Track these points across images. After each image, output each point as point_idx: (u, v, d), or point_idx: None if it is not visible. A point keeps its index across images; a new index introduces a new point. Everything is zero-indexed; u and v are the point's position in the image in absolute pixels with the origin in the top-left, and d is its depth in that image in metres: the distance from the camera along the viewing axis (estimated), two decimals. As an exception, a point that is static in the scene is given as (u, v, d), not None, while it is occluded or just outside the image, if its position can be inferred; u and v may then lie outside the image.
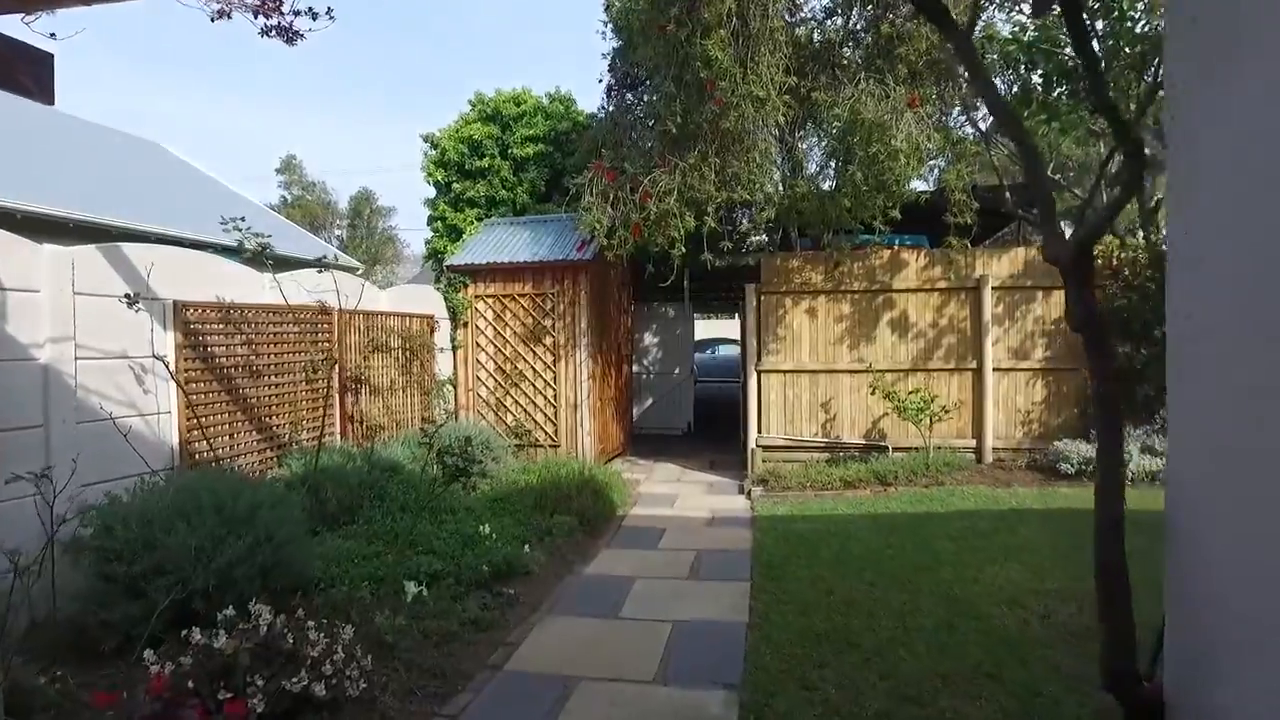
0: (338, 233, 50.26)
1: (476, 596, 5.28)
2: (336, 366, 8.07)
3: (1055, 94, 10.81)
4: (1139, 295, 8.94)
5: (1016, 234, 13.82)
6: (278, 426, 7.15)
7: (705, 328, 37.24)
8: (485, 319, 10.85)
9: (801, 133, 9.18)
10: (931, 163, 8.44)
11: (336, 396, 8.09)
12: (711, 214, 8.53)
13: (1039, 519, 7.12)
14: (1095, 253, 9.21)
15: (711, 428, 14.88)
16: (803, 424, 9.95)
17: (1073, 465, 8.69)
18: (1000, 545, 6.34)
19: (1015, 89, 10.63)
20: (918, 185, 11.05)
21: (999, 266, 9.65)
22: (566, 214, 10.98)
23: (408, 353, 9.63)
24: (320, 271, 7.18)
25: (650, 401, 14.88)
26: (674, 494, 9.30)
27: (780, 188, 8.98)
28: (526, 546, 6.17)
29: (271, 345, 7.11)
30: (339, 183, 75.42)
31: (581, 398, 10.44)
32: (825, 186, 9.35)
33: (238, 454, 6.60)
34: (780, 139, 8.73)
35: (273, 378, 7.11)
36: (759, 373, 9.98)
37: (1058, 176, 15.13)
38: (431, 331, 10.20)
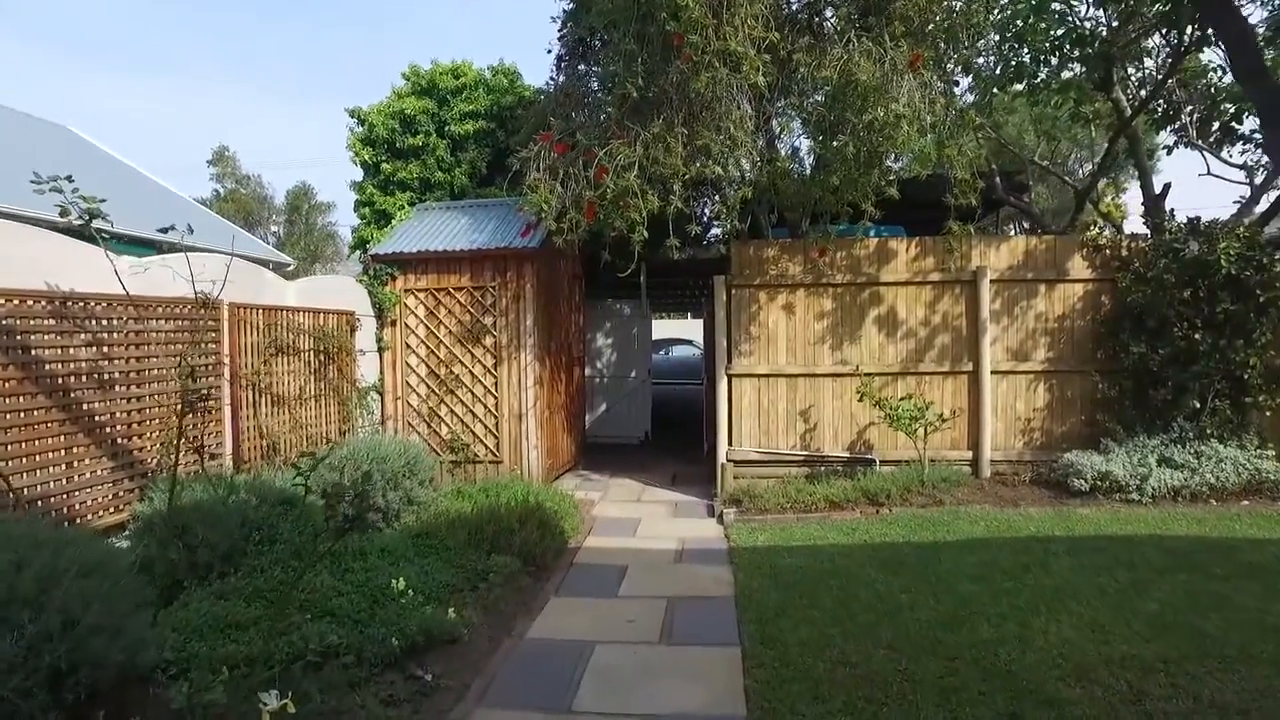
0: (274, 229, 47.95)
1: (382, 682, 3.96)
2: (228, 372, 6.65)
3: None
4: (1154, 288, 7.97)
5: (995, 224, 12.91)
6: (141, 450, 5.70)
7: (659, 328, 36.15)
8: (416, 316, 9.46)
9: (783, 101, 7.98)
10: (925, 139, 7.31)
11: (226, 410, 6.65)
12: (678, 192, 7.30)
13: (1068, 551, 6.04)
14: (1103, 242, 8.29)
15: (670, 436, 13.67)
16: (779, 435, 8.79)
17: (1086, 481, 7.67)
18: (1036, 589, 5.22)
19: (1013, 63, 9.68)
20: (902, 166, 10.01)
21: (997, 257, 8.61)
22: (511, 198, 9.68)
23: (322, 356, 8.21)
24: (178, 242, 5.74)
25: (604, 408, 13.60)
26: (634, 518, 8.05)
27: (757, 163, 7.79)
28: (451, 611, 4.81)
29: (132, 347, 5.66)
30: (276, 176, 72.46)
31: (526, 406, 9.13)
32: (808, 163, 8.19)
33: (75, 489, 5.15)
34: (757, 107, 7.54)
35: (133, 388, 5.66)
36: (730, 377, 8.79)
37: (1061, 160, 14.30)
38: (352, 331, 8.78)
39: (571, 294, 11.01)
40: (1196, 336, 7.77)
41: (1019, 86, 10.28)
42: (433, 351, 9.41)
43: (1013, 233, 13.50)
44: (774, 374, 8.74)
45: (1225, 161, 10.10)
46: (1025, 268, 8.54)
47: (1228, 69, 10.00)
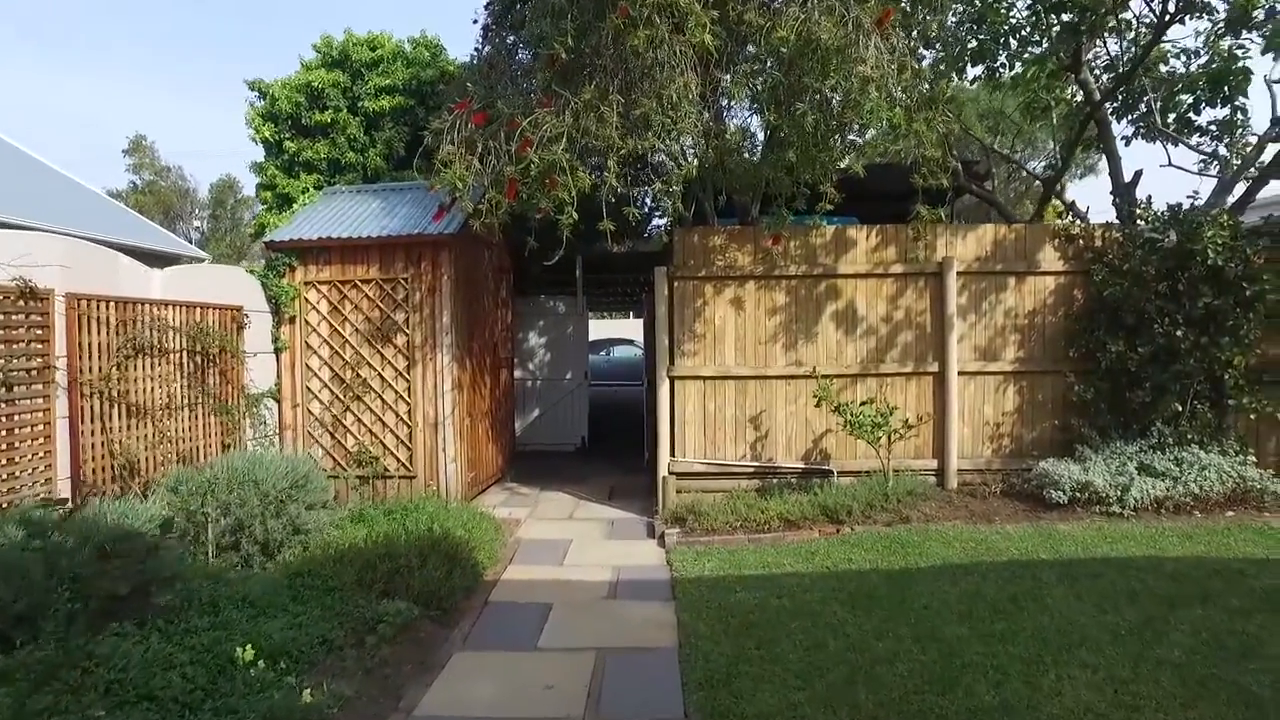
0: (197, 224, 45.65)
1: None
2: (63, 378, 5.46)
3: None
4: (1131, 280, 7.31)
5: (951, 216, 12.27)
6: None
7: (599, 328, 35.24)
8: (318, 312, 8.31)
9: (730, 76, 7.06)
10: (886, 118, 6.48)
11: (60, 425, 5.45)
12: (613, 169, 6.35)
13: (1060, 579, 5.26)
14: (1075, 232, 7.60)
15: (610, 442, 12.71)
16: (728, 444, 7.90)
17: (1064, 493, 6.95)
18: (1035, 631, 4.41)
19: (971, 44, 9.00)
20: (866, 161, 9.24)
21: (964, 247, 7.86)
22: (430, 181, 8.60)
23: (199, 358, 7.02)
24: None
25: (537, 413, 12.56)
26: (564, 540, 7.06)
27: (703, 138, 6.87)
28: (308, 692, 3.70)
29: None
30: (200, 168, 69.09)
31: (444, 413, 8.07)
32: (759, 139, 7.31)
33: None
34: (704, 75, 6.62)
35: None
36: (672, 379, 7.86)
37: (1023, 149, 13.75)
38: (239, 329, 7.60)
39: (498, 288, 9.97)
40: (1178, 333, 7.13)
41: (977, 70, 9.64)
42: (337, 352, 8.28)
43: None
44: (721, 376, 7.84)
45: (1194, 149, 9.57)
46: (994, 259, 7.82)
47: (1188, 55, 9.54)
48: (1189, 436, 7.34)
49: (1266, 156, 8.71)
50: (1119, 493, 6.87)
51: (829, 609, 4.83)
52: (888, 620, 4.61)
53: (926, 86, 6.65)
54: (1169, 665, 3.98)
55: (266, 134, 10.20)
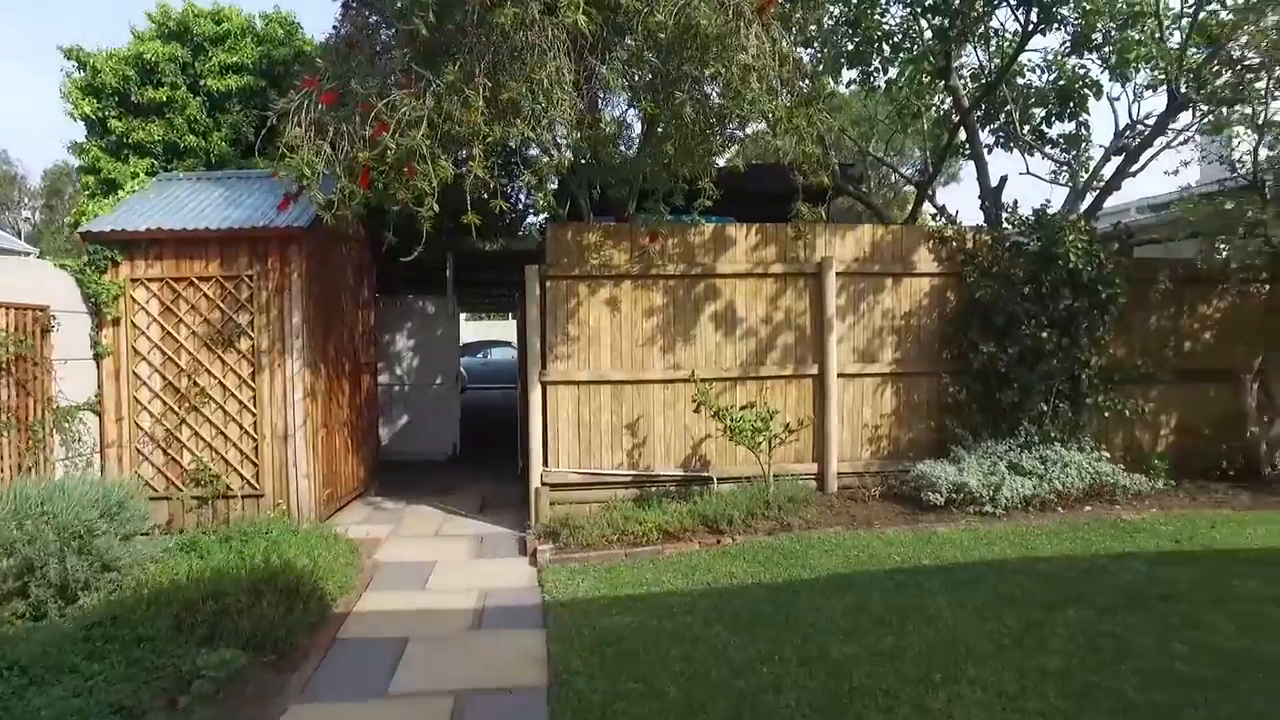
0: (26, 214, 41.61)
1: None
2: None
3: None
4: (1000, 283, 7.43)
5: (826, 216, 12.37)
6: None
7: (477, 330, 34.35)
8: (148, 313, 7.37)
9: (605, 66, 6.66)
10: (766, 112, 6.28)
11: None
12: (479, 158, 5.85)
13: (943, 587, 5.15)
14: (948, 234, 7.66)
15: (485, 449, 12.10)
16: (603, 452, 7.52)
17: (940, 495, 6.96)
18: (923, 647, 4.24)
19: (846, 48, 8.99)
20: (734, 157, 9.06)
21: (843, 248, 7.79)
22: (274, 167, 7.81)
23: (-10, 365, 6.04)
24: None
25: (405, 420, 11.81)
26: (428, 561, 6.48)
27: (576, 127, 6.45)
28: None
29: None
30: (30, 153, 62.76)
31: (294, 424, 7.32)
32: (637, 130, 6.97)
33: None
34: (578, 61, 6.21)
35: None
36: (544, 385, 7.41)
37: (893, 155, 14.01)
38: (44, 332, 6.61)
39: (358, 287, 9.23)
40: (1044, 335, 7.30)
41: (853, 74, 9.71)
42: (171, 358, 7.36)
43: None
44: (596, 381, 7.46)
45: (1050, 158, 9.98)
46: (872, 260, 7.79)
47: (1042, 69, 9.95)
48: (1052, 435, 7.54)
49: (1110, 169, 9.17)
50: (991, 492, 6.94)
51: (711, 631, 4.52)
52: (773, 642, 4.34)
53: (807, 82, 6.49)
54: (1052, 676, 3.88)
55: (87, 110, 9.05)
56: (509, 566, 6.31)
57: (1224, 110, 8.63)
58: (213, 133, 9.45)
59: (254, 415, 7.34)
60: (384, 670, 4.31)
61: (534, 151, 7.69)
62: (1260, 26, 7.77)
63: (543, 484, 7.32)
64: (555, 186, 11.23)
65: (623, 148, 7.64)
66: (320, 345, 7.70)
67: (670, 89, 5.93)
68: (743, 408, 7.23)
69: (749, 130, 7.14)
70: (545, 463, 7.42)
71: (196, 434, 7.37)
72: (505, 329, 29.39)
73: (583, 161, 7.64)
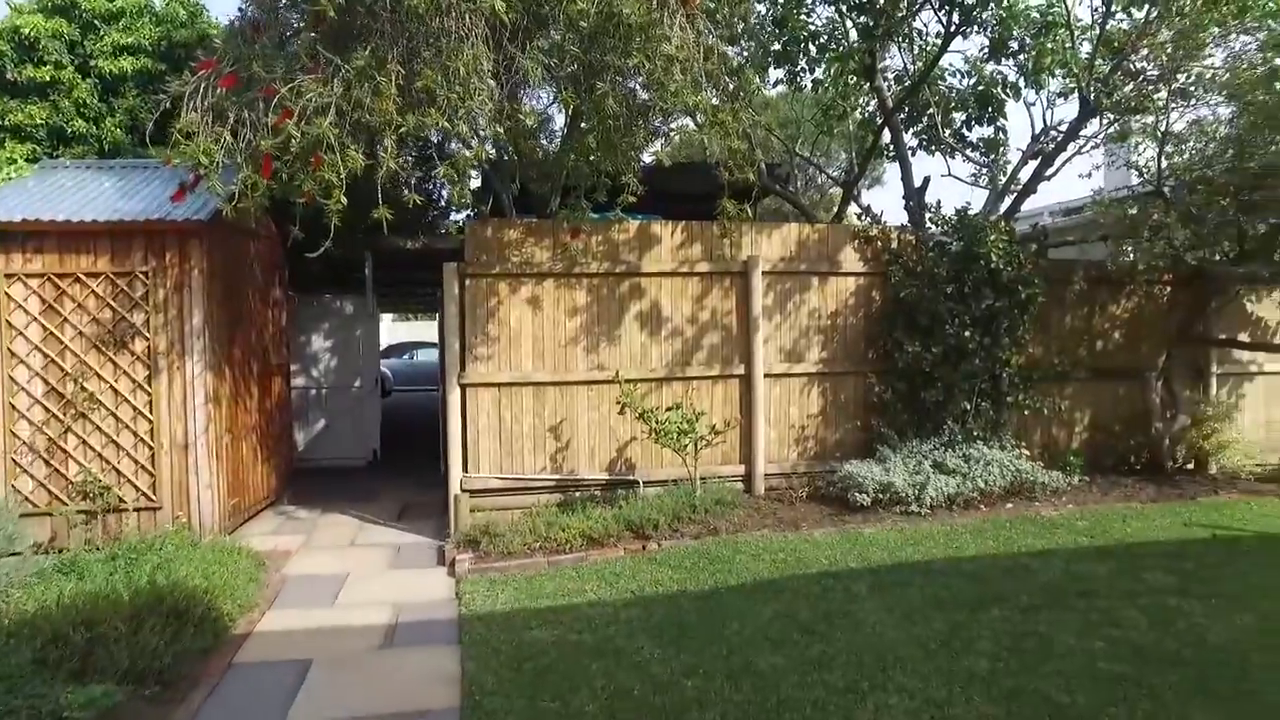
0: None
1: None
2: None
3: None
4: (925, 282, 7.47)
5: (753, 216, 12.36)
6: None
7: (403, 330, 33.56)
8: (27, 312, 6.78)
9: (529, 48, 6.38)
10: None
11: None
12: (390, 148, 5.55)
13: (870, 590, 5.09)
14: (874, 234, 7.66)
15: (407, 454, 11.67)
16: (526, 456, 7.27)
17: (867, 495, 6.94)
18: (851, 654, 4.14)
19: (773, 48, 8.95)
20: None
21: (769, 247, 7.72)
22: (167, 154, 7.30)
23: None
24: None
25: (322, 425, 11.30)
26: (340, 573, 6.13)
27: (495, 118, 6.17)
28: None
29: None
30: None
31: (196, 431, 6.85)
32: (559, 123, 6.74)
33: None
34: (498, 49, 5.94)
35: None
36: (464, 387, 7.12)
37: (819, 156, 14.07)
38: (-98, 331, 6.02)
39: (269, 285, 8.75)
40: (967, 334, 7.37)
41: (779, 74, 9.70)
42: (54, 361, 6.78)
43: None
44: (518, 382, 7.20)
45: (972, 161, 10.16)
46: (798, 259, 7.74)
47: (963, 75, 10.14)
48: (975, 433, 7.62)
49: (1027, 172, 9.38)
50: (917, 492, 6.96)
51: (635, 644, 4.34)
52: (699, 654, 4.19)
53: (733, 78, 6.37)
54: (979, 680, 3.83)
55: (-47, 87, 8.35)
56: (426, 578, 6.01)
57: (1129, 119, 8.93)
58: (105, 118, 8.83)
59: (150, 422, 6.84)
60: (282, 698, 3.99)
61: (457, 147, 7.38)
62: (1157, 41, 8.03)
63: (462, 490, 7.03)
64: (478, 183, 10.91)
65: (545, 142, 7.40)
66: (225, 346, 7.25)
67: (593, 80, 5.72)
68: (668, 409, 7.09)
69: (674, 125, 6.98)
70: (465, 468, 7.13)
71: (84, 443, 6.81)
72: (432, 330, 28.73)
73: (504, 157, 7.38)
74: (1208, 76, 8.18)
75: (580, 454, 7.34)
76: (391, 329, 34.19)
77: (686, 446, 6.91)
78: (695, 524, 6.61)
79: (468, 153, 5.91)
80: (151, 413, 6.84)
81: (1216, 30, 7.88)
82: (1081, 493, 7.65)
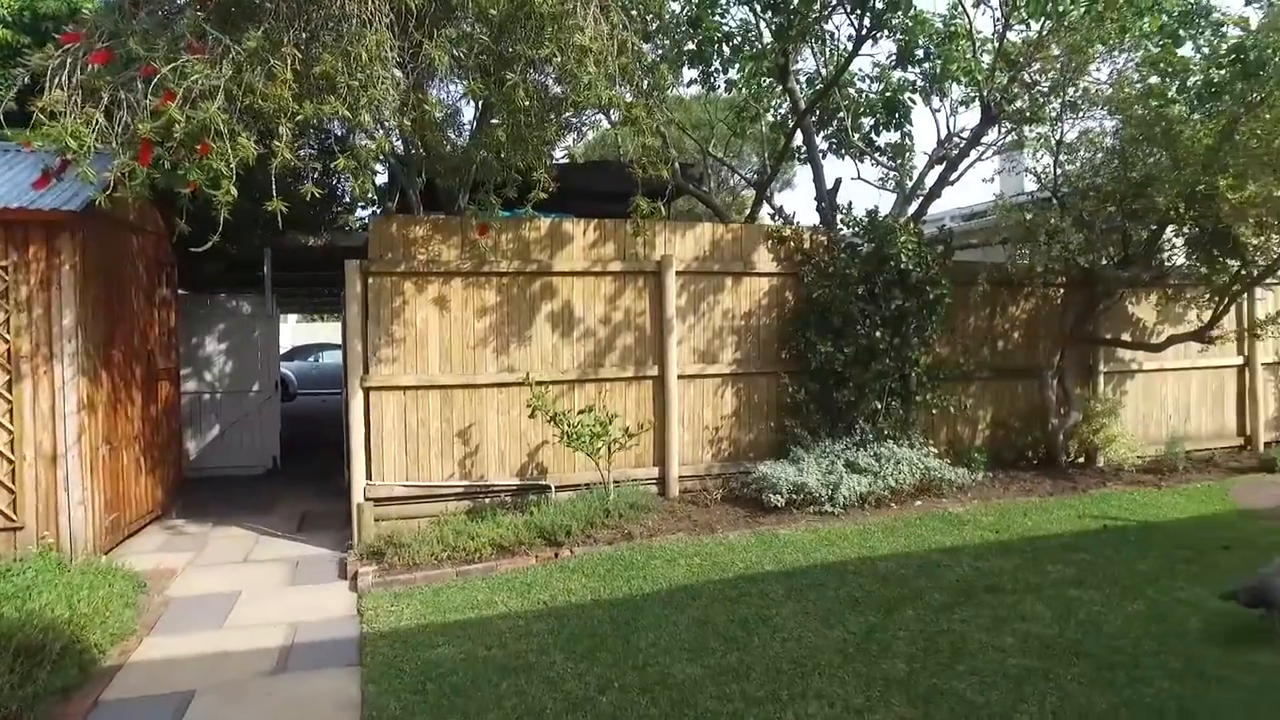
0: None
1: None
2: None
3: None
4: (837, 283, 7.53)
5: (667, 217, 12.32)
6: None
7: (308, 332, 32.39)
8: None
9: (436, 36, 6.07)
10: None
11: None
12: (286, 137, 5.20)
13: (787, 594, 5.05)
14: (786, 234, 7.69)
15: (309, 461, 11.12)
16: (433, 462, 6.98)
17: (782, 496, 6.94)
18: (769, 661, 4.06)
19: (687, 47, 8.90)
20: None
21: (683, 246, 7.65)
22: (28, 136, 6.68)
23: None
24: None
25: (216, 431, 10.64)
26: (231, 592, 5.72)
27: (400, 109, 5.85)
28: None
29: None
30: None
31: (66, 442, 6.28)
32: (469, 116, 6.49)
33: None
34: (403, 36, 5.64)
35: None
36: (367, 390, 6.78)
37: (732, 158, 14.09)
38: None
39: (154, 284, 8.14)
40: (877, 334, 7.47)
41: (694, 74, 9.67)
42: (-102, 364, 6.14)
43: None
44: (425, 385, 6.90)
45: (881, 164, 10.36)
46: (712, 259, 7.70)
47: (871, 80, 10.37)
48: (885, 432, 7.73)
49: (933, 177, 9.63)
50: (830, 492, 7.00)
51: (547, 659, 4.16)
52: (613, 666, 4.04)
53: (648, 74, 6.25)
54: (896, 683, 3.81)
55: None
56: (326, 593, 5.66)
57: (1025, 129, 9.27)
58: (-40, 98, 8.06)
59: (10, 433, 6.23)
60: (159, 735, 3.64)
61: (363, 139, 7.03)
62: (1050, 54, 8.35)
63: (366, 499, 6.69)
64: (385, 178, 10.49)
65: (454, 135, 7.13)
66: (103, 349, 6.70)
67: (503, 71, 5.49)
68: (581, 412, 6.92)
69: (588, 120, 6.82)
70: (369, 476, 6.80)
71: (-67, 456, 6.18)
72: (337, 331, 27.78)
73: (411, 151, 7.09)
74: (1093, 91, 8.55)
75: (490, 459, 7.10)
76: (296, 330, 32.93)
77: (600, 450, 6.76)
78: (609, 529, 6.46)
79: (371, 144, 5.58)
80: (12, 422, 6.24)
81: (1102, 47, 8.23)
82: (985, 488, 7.88)
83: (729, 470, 7.68)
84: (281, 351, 13.08)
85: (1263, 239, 8.14)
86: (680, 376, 7.54)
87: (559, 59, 5.14)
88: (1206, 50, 8.64)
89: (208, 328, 10.67)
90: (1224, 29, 8.76)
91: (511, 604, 5.06)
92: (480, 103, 6.36)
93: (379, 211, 7.86)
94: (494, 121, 6.27)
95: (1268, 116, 7.15)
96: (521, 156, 5.91)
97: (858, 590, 5.07)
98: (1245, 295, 8.99)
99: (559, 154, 6.87)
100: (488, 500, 7.00)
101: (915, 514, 7.06)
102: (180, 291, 9.39)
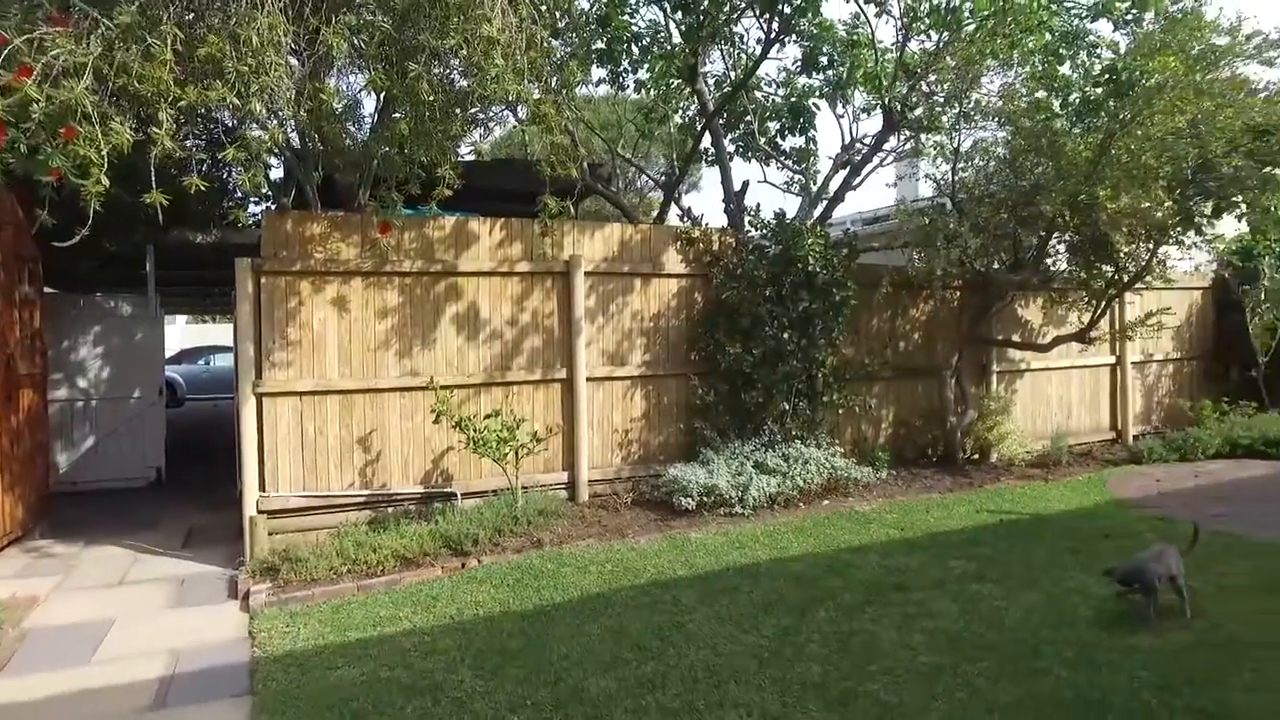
0: None
1: None
2: None
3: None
4: (746, 285, 7.57)
5: (576, 217, 12.18)
6: None
7: (199, 334, 30.79)
8: None
9: (335, 22, 5.73)
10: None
11: None
12: (166, 124, 4.82)
13: (700, 600, 5.00)
14: (695, 235, 7.68)
15: (198, 471, 10.45)
16: (332, 471, 6.64)
17: (692, 499, 6.92)
18: (684, 669, 3.99)
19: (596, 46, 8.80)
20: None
21: (592, 247, 7.54)
22: None
23: None
24: None
25: (91, 442, 9.86)
26: (104, 619, 5.24)
27: (297, 101, 5.51)
28: None
29: None
30: None
31: (-90, 455, 5.68)
32: (370, 107, 6.19)
33: None
34: (297, 19, 5.30)
35: None
36: (260, 396, 6.39)
37: (640, 159, 14.02)
38: None
39: (13, 280, 7.42)
40: (785, 335, 7.55)
41: (603, 73, 9.60)
42: None
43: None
44: (322, 391, 6.56)
45: (786, 167, 10.51)
46: (621, 260, 7.62)
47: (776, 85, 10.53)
48: (793, 433, 7.82)
49: (837, 181, 9.85)
50: (740, 493, 7.02)
51: (454, 677, 3.97)
52: (525, 683, 3.89)
53: (557, 71, 6.10)
54: (812, 687, 3.80)
55: None
56: (214, 616, 5.28)
57: (923, 136, 9.59)
58: None
59: None
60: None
61: (256, 131, 6.61)
62: (947, 66, 8.65)
63: (259, 511, 6.30)
64: (281, 172, 9.96)
65: (354, 128, 6.80)
66: (-51, 353, 6.08)
67: (406, 61, 5.25)
68: (487, 416, 6.72)
69: (495, 116, 6.62)
70: (263, 486, 6.40)
71: None
72: (230, 333, 26.49)
73: (309, 144, 6.72)
74: (986, 103, 8.91)
75: (393, 467, 6.81)
76: (186, 332, 31.25)
77: (507, 455, 6.59)
78: (518, 537, 6.29)
79: (263, 135, 5.23)
80: None
81: (994, 61, 8.58)
82: (889, 486, 8.08)
83: (639, 473, 7.61)
84: (169, 355, 12.27)
85: (1133, 247, 8.66)
86: (589, 379, 7.43)
87: (465, 50, 4.94)
88: (1083, 70, 9.15)
89: (82, 329, 9.89)
90: (1099, 50, 9.31)
91: (416, 619, 4.84)
92: (382, 95, 6.06)
93: (274, 208, 7.43)
94: (396, 115, 6.00)
95: (1139, 133, 7.58)
96: (425, 152, 5.67)
97: (771, 593, 5.08)
98: (1118, 299, 9.53)
99: (465, 151, 6.64)
100: (391, 510, 6.72)
101: (823, 513, 7.15)
102: (49, 290, 8.66)
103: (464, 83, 5.45)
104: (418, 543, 5.99)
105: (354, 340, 6.68)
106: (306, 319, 6.52)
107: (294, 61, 5.39)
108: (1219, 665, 3.99)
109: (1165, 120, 7.39)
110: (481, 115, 6.27)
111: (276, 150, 5.71)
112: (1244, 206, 8.49)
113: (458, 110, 5.52)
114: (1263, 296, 10.62)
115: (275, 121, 5.70)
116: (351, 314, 6.67)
